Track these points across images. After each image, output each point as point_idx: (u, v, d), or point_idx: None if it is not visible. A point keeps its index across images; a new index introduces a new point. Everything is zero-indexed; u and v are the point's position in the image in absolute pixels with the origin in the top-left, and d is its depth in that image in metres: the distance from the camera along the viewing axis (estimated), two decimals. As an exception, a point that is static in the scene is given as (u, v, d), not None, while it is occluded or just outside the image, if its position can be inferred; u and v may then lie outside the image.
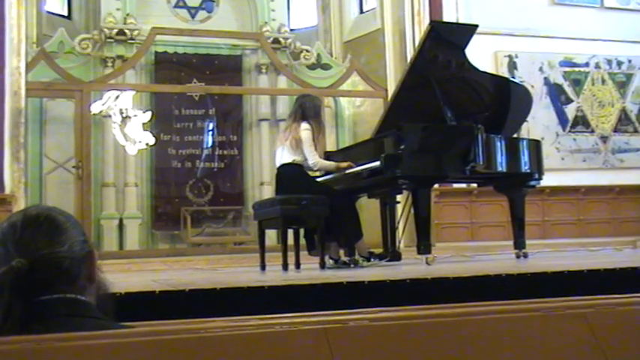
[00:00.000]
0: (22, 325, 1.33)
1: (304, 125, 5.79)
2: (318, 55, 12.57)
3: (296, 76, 11.63)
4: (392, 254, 6.35)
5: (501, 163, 5.99)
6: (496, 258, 6.95)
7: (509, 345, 1.36)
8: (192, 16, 12.80)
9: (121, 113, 11.50)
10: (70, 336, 1.16)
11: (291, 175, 5.85)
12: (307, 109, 5.90)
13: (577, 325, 1.37)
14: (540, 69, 10.64)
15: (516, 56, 10.51)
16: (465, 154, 5.64)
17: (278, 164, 5.99)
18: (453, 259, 6.75)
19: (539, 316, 1.39)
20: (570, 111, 10.75)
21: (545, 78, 10.66)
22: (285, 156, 5.88)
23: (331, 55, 12.81)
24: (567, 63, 10.79)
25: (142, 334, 1.18)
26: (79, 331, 1.25)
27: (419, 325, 1.33)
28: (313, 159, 5.76)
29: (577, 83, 10.82)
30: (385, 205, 6.62)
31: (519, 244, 6.45)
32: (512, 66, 10.49)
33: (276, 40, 12.41)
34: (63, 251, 1.44)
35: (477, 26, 6.29)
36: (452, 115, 5.90)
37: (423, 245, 5.56)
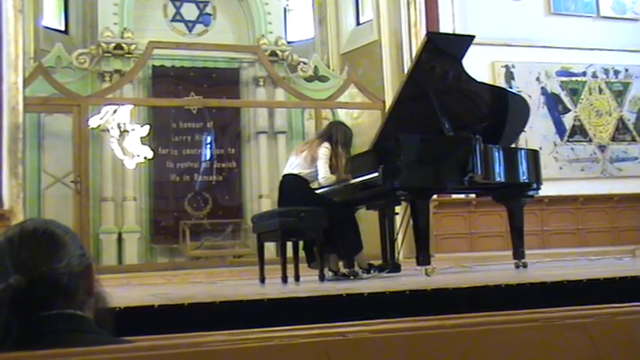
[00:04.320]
0: (22, 342, 1.32)
1: (325, 144, 5.89)
2: (316, 67, 12.59)
3: (293, 89, 11.64)
4: (391, 266, 6.35)
5: (500, 174, 5.99)
6: (495, 268, 6.94)
7: (509, 356, 1.36)
8: (190, 30, 12.84)
9: (119, 127, 11.49)
10: (69, 352, 1.16)
11: (292, 186, 5.91)
12: (335, 134, 5.98)
13: (577, 335, 1.37)
14: (537, 79, 10.67)
15: (513, 66, 10.53)
16: (463, 165, 5.65)
17: (286, 171, 6.03)
18: (452, 269, 6.74)
19: (539, 327, 1.39)
20: (568, 120, 10.77)
21: (543, 88, 10.68)
22: (295, 167, 5.94)
23: (328, 67, 12.83)
24: (564, 72, 10.82)
25: (142, 349, 1.18)
26: (78, 347, 1.24)
27: (419, 337, 1.33)
28: (323, 174, 5.82)
29: (574, 93, 10.85)
30: (384, 216, 6.61)
31: (518, 254, 6.44)
32: (510, 76, 10.51)
33: (273, 53, 12.44)
34: (61, 267, 1.43)
35: (473, 37, 6.31)
36: (449, 126, 5.90)
37: (423, 256, 5.55)
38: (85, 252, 1.52)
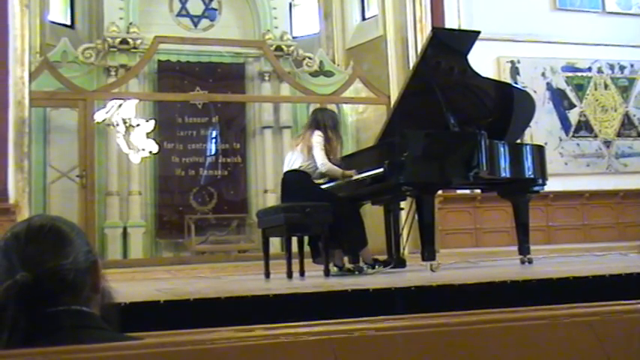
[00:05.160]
0: (28, 338, 1.33)
1: (317, 132, 5.93)
2: (321, 62, 12.59)
3: (299, 84, 11.64)
4: (396, 261, 6.36)
5: (505, 169, 5.99)
6: (501, 264, 6.94)
7: (515, 353, 1.35)
8: (195, 25, 12.83)
9: (125, 122, 11.51)
10: (76, 348, 1.16)
11: (295, 182, 5.91)
12: (322, 120, 6.03)
13: (583, 333, 1.37)
14: (543, 74, 10.64)
15: (518, 62, 10.51)
16: (468, 161, 5.65)
17: (286, 169, 6.03)
18: (457, 265, 6.74)
19: (545, 324, 1.39)
20: (573, 116, 10.74)
21: (548, 83, 10.66)
22: (294, 161, 5.96)
23: (334, 62, 12.82)
24: (570, 68, 10.79)
25: (148, 346, 1.18)
26: (85, 343, 1.24)
27: (425, 335, 1.33)
28: (322, 160, 5.84)
29: (580, 88, 10.82)
30: (389, 211, 6.62)
31: (524, 249, 6.44)
32: (515, 71, 10.49)
33: (278, 48, 12.42)
34: (67, 264, 1.43)
35: (479, 32, 6.30)
36: (455, 122, 5.90)
37: (428, 252, 5.56)
38: (90, 248, 1.52)
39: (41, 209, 10.36)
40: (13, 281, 1.36)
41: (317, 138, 5.89)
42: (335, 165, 5.99)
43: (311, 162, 5.90)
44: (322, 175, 6.17)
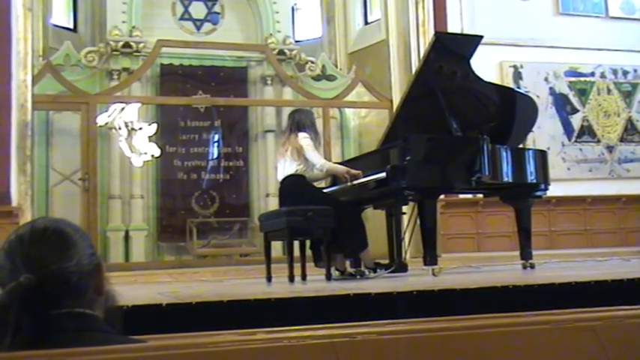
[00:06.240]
0: (31, 341, 1.33)
1: (302, 134, 5.81)
2: (323, 66, 12.59)
3: (301, 88, 11.65)
4: (398, 265, 6.33)
5: (507, 174, 5.97)
6: (502, 269, 6.92)
7: (517, 359, 1.35)
8: (198, 29, 12.86)
9: (127, 125, 11.52)
10: (79, 351, 1.16)
11: (294, 187, 5.83)
12: (302, 121, 5.93)
13: (586, 338, 1.37)
14: (546, 79, 10.65)
15: (521, 66, 10.51)
16: (470, 165, 5.63)
17: (281, 177, 5.96)
18: (459, 270, 6.72)
19: (548, 330, 1.39)
20: (576, 121, 10.75)
21: (551, 88, 10.66)
22: (287, 167, 5.86)
23: (336, 67, 12.84)
24: (572, 73, 10.79)
25: (151, 349, 1.18)
26: (88, 346, 1.24)
27: (427, 339, 1.33)
28: (320, 161, 5.77)
29: (582, 93, 10.82)
30: (391, 216, 6.60)
31: (526, 254, 6.42)
32: (518, 76, 10.49)
33: (281, 52, 12.45)
34: (71, 266, 1.43)
35: (481, 37, 6.29)
36: (457, 126, 5.89)
37: (429, 256, 5.54)
38: (94, 251, 1.52)
39: (43, 212, 10.36)
40: (17, 283, 1.36)
41: (305, 140, 5.78)
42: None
43: (304, 165, 5.83)
44: (323, 178, 6.16)
